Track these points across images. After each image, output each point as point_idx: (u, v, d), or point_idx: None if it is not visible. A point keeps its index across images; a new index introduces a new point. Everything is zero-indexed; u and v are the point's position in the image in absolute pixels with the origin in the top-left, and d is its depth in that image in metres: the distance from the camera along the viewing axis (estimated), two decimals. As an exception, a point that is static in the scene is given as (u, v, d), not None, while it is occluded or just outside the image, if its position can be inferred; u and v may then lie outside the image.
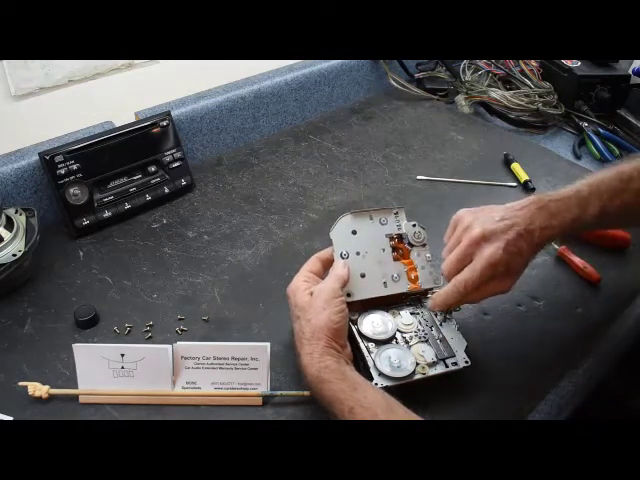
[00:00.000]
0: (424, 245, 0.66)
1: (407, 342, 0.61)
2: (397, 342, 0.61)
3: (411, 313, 0.64)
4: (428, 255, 0.66)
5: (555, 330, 0.68)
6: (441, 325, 0.63)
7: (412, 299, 0.65)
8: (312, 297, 0.59)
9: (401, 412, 0.52)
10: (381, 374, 0.57)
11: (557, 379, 0.63)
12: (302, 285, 0.61)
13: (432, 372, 0.59)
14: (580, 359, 0.65)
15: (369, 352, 0.59)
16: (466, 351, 0.61)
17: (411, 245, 0.66)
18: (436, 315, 0.64)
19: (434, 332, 0.62)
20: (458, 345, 0.61)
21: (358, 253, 0.63)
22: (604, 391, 0.68)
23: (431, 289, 0.65)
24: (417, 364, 0.59)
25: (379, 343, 0.60)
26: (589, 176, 0.63)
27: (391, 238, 0.65)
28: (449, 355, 0.60)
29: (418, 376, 0.58)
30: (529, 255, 0.60)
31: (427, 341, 0.61)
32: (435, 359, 0.59)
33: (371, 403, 0.51)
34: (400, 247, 0.66)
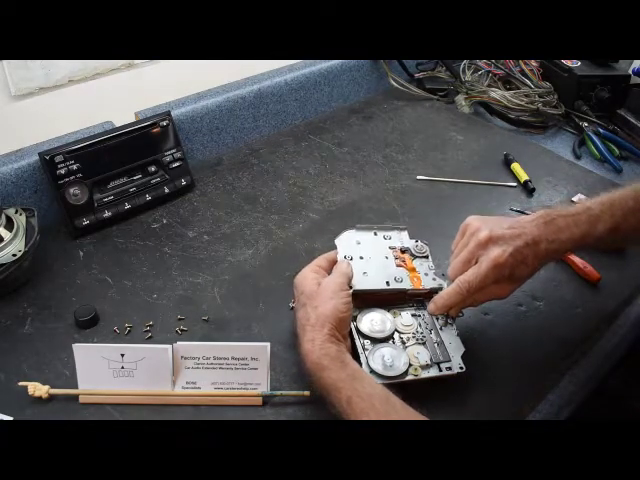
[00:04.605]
0: (427, 257, 0.68)
1: (404, 343, 0.61)
2: (394, 342, 0.61)
3: (412, 315, 0.64)
4: (431, 264, 0.67)
5: (555, 330, 0.68)
6: (441, 329, 0.63)
7: (415, 301, 0.65)
8: (320, 287, 0.59)
9: (398, 405, 0.52)
10: (373, 371, 0.57)
11: (557, 379, 0.63)
12: (311, 275, 0.62)
13: (425, 374, 0.59)
14: (580, 359, 0.65)
15: (364, 349, 0.59)
16: (463, 357, 0.60)
17: (414, 256, 0.67)
18: (437, 319, 0.64)
19: (433, 335, 0.62)
20: (455, 351, 0.61)
21: (362, 257, 0.65)
22: (604, 391, 0.68)
23: (435, 291, 0.65)
24: (410, 365, 0.59)
25: (375, 341, 0.60)
26: (603, 194, 0.62)
27: (394, 250, 0.67)
28: (444, 359, 0.60)
29: (410, 377, 0.58)
30: (534, 266, 0.60)
31: (424, 343, 0.61)
32: (429, 362, 0.59)
33: (369, 394, 0.52)
34: (403, 257, 0.67)
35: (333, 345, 0.55)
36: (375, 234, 0.69)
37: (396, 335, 0.62)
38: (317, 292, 0.59)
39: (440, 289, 0.64)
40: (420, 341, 0.61)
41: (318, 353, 0.54)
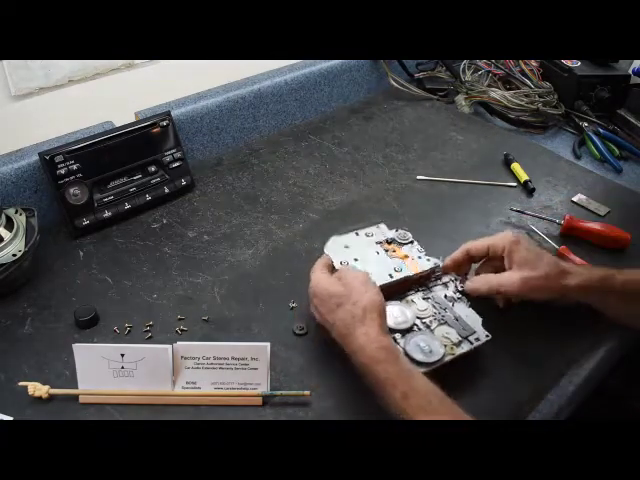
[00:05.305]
0: (412, 242, 0.71)
1: (428, 327, 0.62)
2: (419, 329, 0.62)
3: (423, 298, 0.66)
4: (419, 247, 0.70)
5: (555, 330, 0.68)
6: (453, 305, 0.65)
7: (419, 284, 0.67)
8: (347, 285, 0.59)
9: (448, 402, 0.51)
10: (415, 362, 0.58)
11: (557, 379, 0.63)
12: (327, 278, 0.62)
13: (460, 351, 0.60)
14: (580, 359, 0.65)
15: (396, 343, 0.60)
16: (483, 325, 0.63)
17: (401, 244, 0.70)
18: (445, 296, 0.66)
19: (449, 313, 0.64)
20: (474, 321, 0.63)
21: (356, 259, 0.67)
22: (604, 391, 0.68)
23: (433, 271, 0.68)
24: (445, 346, 0.60)
25: (403, 332, 0.61)
26: None
27: (381, 244, 0.70)
28: (470, 332, 0.62)
29: (448, 357, 0.59)
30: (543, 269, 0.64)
31: (446, 323, 0.63)
32: (460, 338, 0.61)
33: (426, 391, 0.52)
34: (392, 248, 0.70)
35: (386, 338, 0.56)
36: (357, 234, 0.71)
37: (418, 322, 0.63)
38: (347, 289, 0.59)
39: (437, 267, 0.68)
40: (442, 321, 0.63)
41: (374, 346, 0.54)
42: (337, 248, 0.68)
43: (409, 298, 0.65)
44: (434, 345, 0.60)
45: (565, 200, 0.89)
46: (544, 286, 0.63)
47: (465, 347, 0.61)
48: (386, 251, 0.69)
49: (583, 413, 0.63)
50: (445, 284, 0.68)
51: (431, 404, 0.51)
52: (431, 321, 0.63)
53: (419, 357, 0.58)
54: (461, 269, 0.70)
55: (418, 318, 0.63)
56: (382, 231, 0.72)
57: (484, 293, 0.66)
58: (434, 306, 0.65)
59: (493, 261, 0.69)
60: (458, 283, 0.68)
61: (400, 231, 0.72)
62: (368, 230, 0.72)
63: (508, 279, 0.65)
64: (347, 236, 0.70)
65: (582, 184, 0.93)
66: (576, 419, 0.62)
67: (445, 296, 0.66)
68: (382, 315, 0.58)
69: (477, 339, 0.61)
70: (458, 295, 0.66)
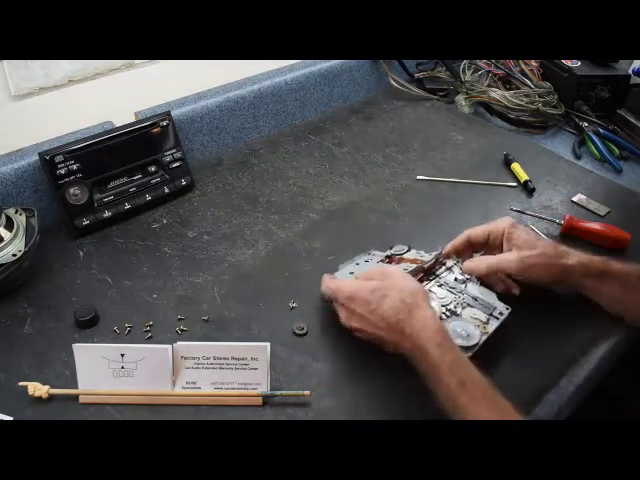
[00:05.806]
0: (409, 250, 0.72)
1: (454, 313, 0.63)
2: (447, 316, 0.63)
3: (438, 285, 0.67)
4: (416, 250, 0.71)
5: (555, 330, 0.68)
6: (466, 287, 0.66)
7: (429, 274, 0.68)
8: (386, 277, 0.60)
9: (500, 398, 0.52)
10: (460, 348, 0.58)
11: (557, 379, 0.63)
12: (357, 280, 0.63)
13: (491, 328, 0.61)
14: (580, 359, 0.65)
15: None
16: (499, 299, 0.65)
17: (401, 255, 0.71)
18: (456, 279, 0.67)
19: (466, 295, 0.65)
20: (490, 297, 0.65)
21: None
22: (604, 391, 0.68)
23: (437, 259, 0.69)
24: (477, 327, 0.61)
25: None
26: None
27: (383, 261, 0.71)
28: (492, 308, 0.63)
29: (484, 337, 0.60)
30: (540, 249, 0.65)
31: (468, 305, 0.64)
32: (487, 316, 0.62)
33: (481, 381, 0.52)
34: (393, 259, 0.71)
35: (440, 323, 0.56)
36: (357, 264, 0.71)
37: (443, 309, 0.63)
38: (389, 281, 0.59)
39: (440, 253, 0.70)
40: (464, 304, 0.64)
41: (434, 327, 0.54)
42: (345, 274, 0.69)
43: (425, 289, 0.66)
44: (470, 329, 0.60)
45: (565, 200, 0.89)
46: (543, 264, 0.64)
47: (494, 323, 0.62)
48: (389, 263, 0.70)
49: (583, 413, 0.63)
50: (449, 268, 0.69)
51: (485, 396, 0.51)
52: (455, 306, 0.64)
53: (460, 342, 0.59)
54: (462, 256, 0.71)
55: (442, 306, 0.64)
56: (377, 254, 0.73)
57: (482, 272, 0.67)
58: (450, 291, 0.66)
59: (493, 250, 0.70)
60: (461, 264, 0.69)
61: (395, 247, 0.73)
62: (365, 257, 0.73)
63: (506, 258, 0.66)
64: (348, 266, 0.71)
65: (582, 184, 0.93)
66: (576, 419, 0.62)
67: (455, 279, 0.67)
68: (429, 302, 0.58)
69: (501, 313, 0.63)
70: (466, 276, 0.68)
